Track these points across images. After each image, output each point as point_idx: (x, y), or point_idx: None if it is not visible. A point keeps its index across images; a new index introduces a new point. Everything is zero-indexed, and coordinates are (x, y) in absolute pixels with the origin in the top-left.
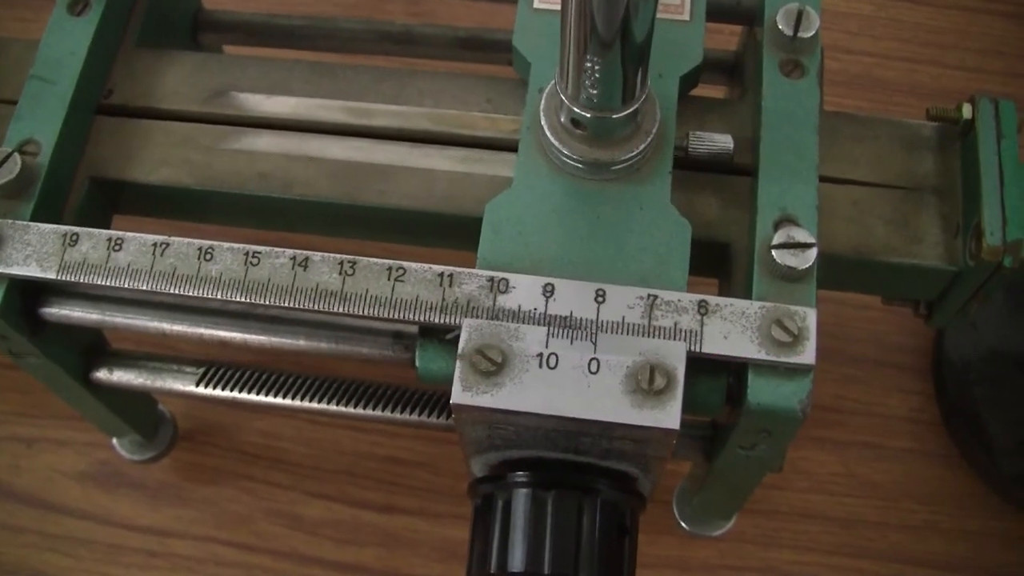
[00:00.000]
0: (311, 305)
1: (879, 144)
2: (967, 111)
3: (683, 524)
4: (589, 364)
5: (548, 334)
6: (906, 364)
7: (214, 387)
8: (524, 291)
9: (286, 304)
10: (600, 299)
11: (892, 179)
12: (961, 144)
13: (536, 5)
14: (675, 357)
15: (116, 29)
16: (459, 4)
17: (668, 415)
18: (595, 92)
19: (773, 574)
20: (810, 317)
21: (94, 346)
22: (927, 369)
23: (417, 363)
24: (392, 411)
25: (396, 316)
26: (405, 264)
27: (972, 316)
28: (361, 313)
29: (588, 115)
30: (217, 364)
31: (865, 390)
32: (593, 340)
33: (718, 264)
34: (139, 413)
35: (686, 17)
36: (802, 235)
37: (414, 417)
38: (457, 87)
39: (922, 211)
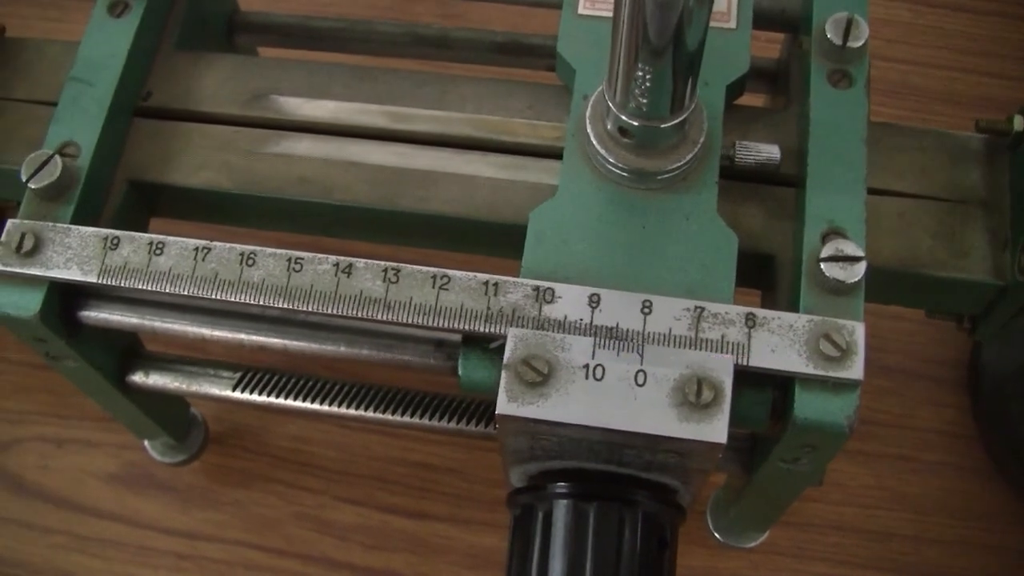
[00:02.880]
0: (354, 312)
1: (925, 156)
2: (1018, 123)
3: (717, 535)
4: (636, 376)
5: (594, 345)
6: (941, 376)
7: (251, 392)
8: (570, 301)
9: (329, 311)
10: (647, 310)
11: (938, 191)
12: (1010, 157)
13: (581, 11)
14: (722, 370)
15: (155, 31)
16: (490, 7)
17: (715, 429)
18: (644, 101)
19: None
20: (858, 331)
21: (130, 349)
22: (962, 382)
23: (460, 372)
24: (430, 419)
25: (440, 325)
26: (449, 272)
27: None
28: (405, 321)
29: (636, 124)
30: (254, 369)
31: (899, 402)
32: (640, 352)
33: (761, 275)
34: (171, 416)
35: (732, 25)
36: (851, 248)
37: (452, 425)
38: (498, 93)
39: (969, 224)
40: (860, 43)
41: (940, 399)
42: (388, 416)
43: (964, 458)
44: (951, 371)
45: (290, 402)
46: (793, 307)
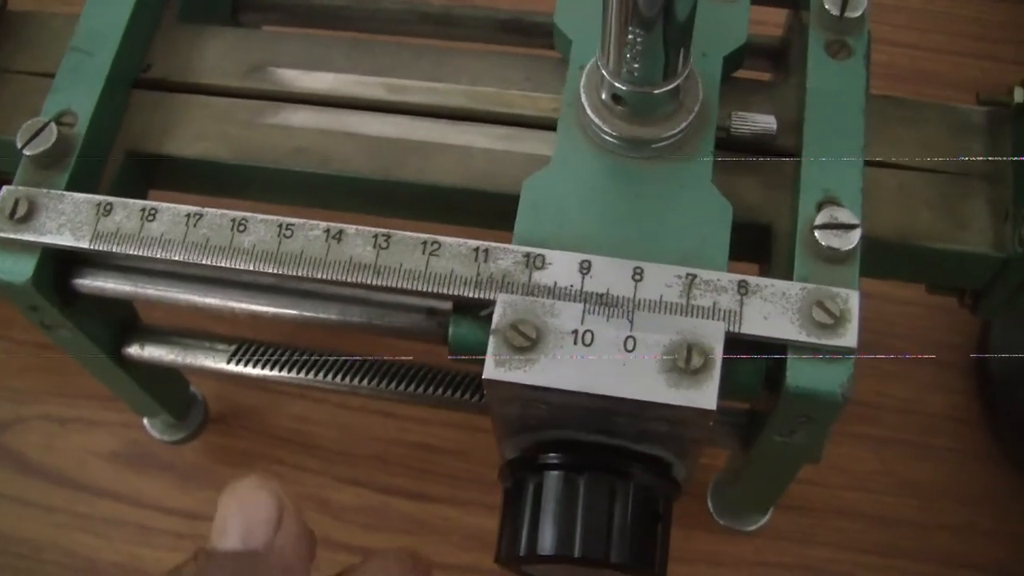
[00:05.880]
0: (344, 277)
1: (927, 128)
2: (1019, 95)
3: (718, 518)
4: (625, 342)
5: (584, 311)
6: (949, 361)
7: (245, 364)
8: (560, 267)
9: (319, 276)
10: (638, 277)
11: (939, 164)
12: (1012, 129)
13: None
14: (713, 337)
15: (157, 3)
16: None
17: (704, 395)
18: (637, 67)
19: (808, 571)
20: (852, 299)
21: (126, 321)
22: (970, 367)
23: (450, 338)
24: (425, 390)
25: (430, 290)
26: (440, 238)
27: (1021, 309)
28: (394, 286)
29: (628, 89)
30: (249, 342)
31: (906, 387)
32: (630, 318)
33: (758, 247)
34: (170, 393)
35: None
36: (846, 216)
37: (447, 396)
38: (496, 65)
39: (970, 196)
40: (858, 13)
41: (948, 384)
42: (383, 388)
43: (972, 444)
44: (960, 356)
45: (285, 374)
46: (789, 278)
